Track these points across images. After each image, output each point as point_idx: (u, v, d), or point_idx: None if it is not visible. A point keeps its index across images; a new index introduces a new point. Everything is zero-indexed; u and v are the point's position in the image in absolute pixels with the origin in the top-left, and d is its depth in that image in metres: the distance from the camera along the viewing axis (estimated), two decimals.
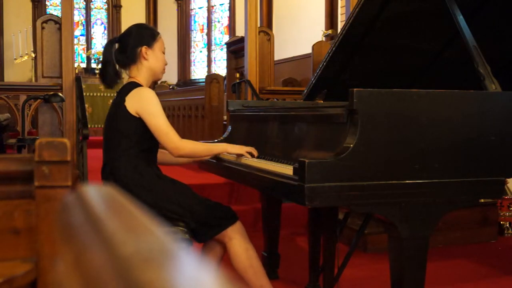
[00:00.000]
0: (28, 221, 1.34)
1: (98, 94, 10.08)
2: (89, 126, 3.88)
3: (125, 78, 2.39)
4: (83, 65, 11.97)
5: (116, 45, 2.33)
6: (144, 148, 2.19)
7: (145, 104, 2.17)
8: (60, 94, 3.87)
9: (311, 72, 4.89)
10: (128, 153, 2.16)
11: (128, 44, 2.29)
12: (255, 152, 2.26)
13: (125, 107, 2.17)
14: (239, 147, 2.29)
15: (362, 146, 1.64)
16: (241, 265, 2.17)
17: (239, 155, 2.27)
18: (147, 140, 2.19)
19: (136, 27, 2.35)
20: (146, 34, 2.31)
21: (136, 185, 2.13)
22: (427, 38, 2.57)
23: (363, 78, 2.70)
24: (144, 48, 2.27)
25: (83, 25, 12.68)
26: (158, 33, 2.36)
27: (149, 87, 2.32)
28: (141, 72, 2.29)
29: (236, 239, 2.16)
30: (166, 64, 2.38)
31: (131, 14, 11.95)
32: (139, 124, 2.17)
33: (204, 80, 5.52)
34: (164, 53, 2.35)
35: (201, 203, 2.17)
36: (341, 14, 7.76)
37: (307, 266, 2.67)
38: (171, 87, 9.97)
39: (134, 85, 2.24)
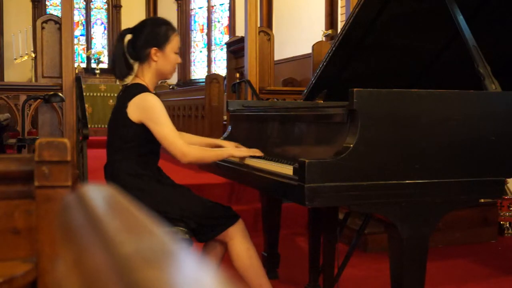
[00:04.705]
0: (28, 221, 1.34)
1: (98, 94, 10.06)
2: (89, 126, 3.88)
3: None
4: (83, 65, 11.96)
5: (129, 36, 2.23)
6: (144, 152, 2.17)
7: (149, 113, 2.11)
8: (60, 94, 3.88)
9: (311, 72, 4.89)
10: (128, 157, 2.15)
11: (139, 40, 2.21)
12: (259, 153, 2.22)
13: (126, 113, 2.13)
14: (245, 150, 2.25)
15: (362, 146, 1.64)
16: (242, 265, 2.17)
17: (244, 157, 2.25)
18: (147, 144, 2.16)
19: (152, 24, 2.25)
20: (159, 33, 2.21)
21: (136, 188, 2.11)
22: (427, 38, 2.57)
23: (363, 78, 2.70)
24: (153, 50, 2.19)
25: (83, 25, 12.67)
26: (173, 32, 2.24)
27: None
28: (147, 73, 2.23)
29: (237, 238, 2.16)
30: (180, 62, 2.30)
31: (131, 14, 11.94)
32: (139, 130, 2.13)
33: (204, 80, 5.53)
34: (177, 52, 2.26)
35: (202, 204, 2.17)
36: (341, 14, 7.76)
37: (307, 266, 2.67)
38: (171, 87, 9.95)
39: (138, 89, 2.17)
